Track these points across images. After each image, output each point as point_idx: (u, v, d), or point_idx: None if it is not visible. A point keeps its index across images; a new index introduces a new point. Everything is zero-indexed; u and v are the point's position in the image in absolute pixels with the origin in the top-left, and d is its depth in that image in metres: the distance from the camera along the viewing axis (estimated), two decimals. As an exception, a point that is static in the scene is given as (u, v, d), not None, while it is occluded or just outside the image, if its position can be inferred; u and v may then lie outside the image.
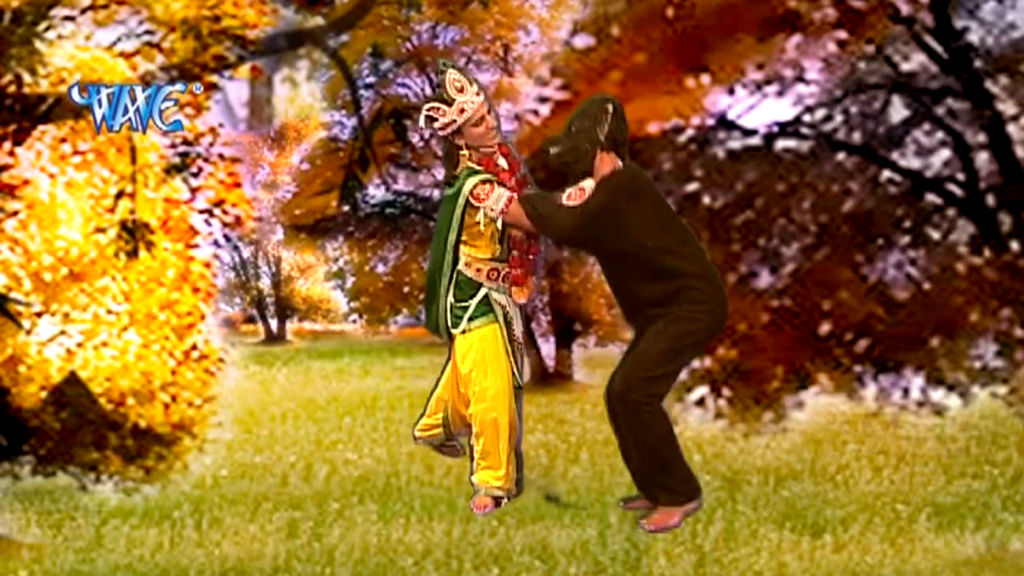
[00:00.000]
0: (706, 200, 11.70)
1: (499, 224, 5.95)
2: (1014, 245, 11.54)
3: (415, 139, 14.97)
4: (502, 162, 6.02)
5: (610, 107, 5.79)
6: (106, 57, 11.54)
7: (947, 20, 11.61)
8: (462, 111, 5.90)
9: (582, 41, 12.05)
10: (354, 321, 16.90)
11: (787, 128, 11.86)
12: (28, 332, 11.53)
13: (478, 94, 5.92)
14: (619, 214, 5.67)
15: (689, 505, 5.81)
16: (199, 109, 11.88)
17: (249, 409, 13.74)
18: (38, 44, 11.20)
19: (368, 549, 10.76)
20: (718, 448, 12.22)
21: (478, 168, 5.94)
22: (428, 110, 5.93)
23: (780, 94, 11.77)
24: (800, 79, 11.71)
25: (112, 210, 11.66)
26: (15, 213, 11.50)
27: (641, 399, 5.71)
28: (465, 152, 5.95)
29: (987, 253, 11.50)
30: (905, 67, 11.77)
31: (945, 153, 11.77)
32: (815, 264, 11.66)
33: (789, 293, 11.62)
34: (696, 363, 11.67)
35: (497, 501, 6.11)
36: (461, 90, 5.93)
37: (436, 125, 5.93)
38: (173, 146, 11.98)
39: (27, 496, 11.63)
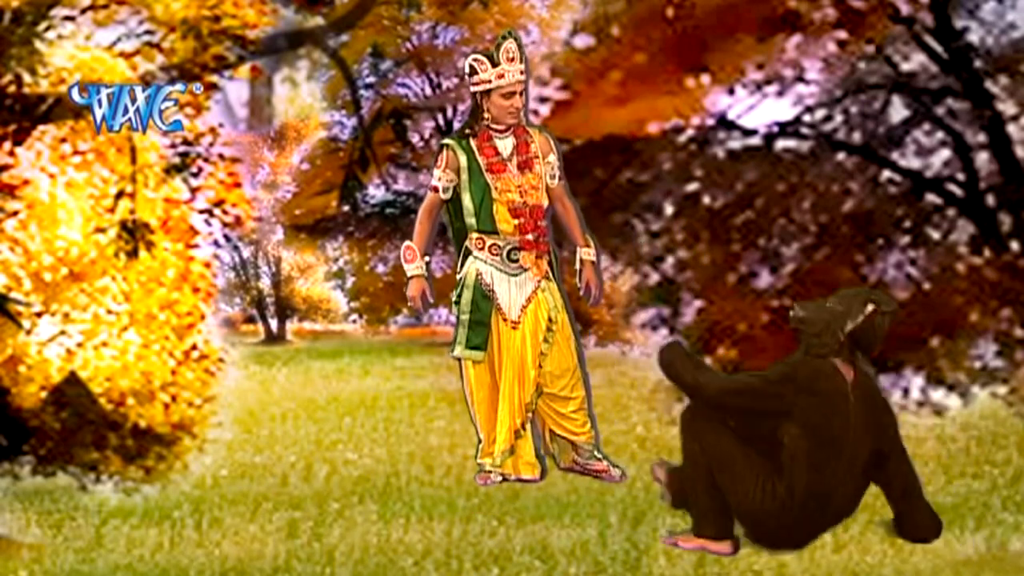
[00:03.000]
0: (706, 200, 11.70)
1: (470, 195, 6.03)
2: (1014, 245, 11.54)
3: (415, 139, 14.97)
4: (502, 144, 6.09)
5: (871, 307, 5.48)
6: (106, 57, 11.53)
7: (947, 20, 11.61)
8: (501, 76, 6.01)
9: (582, 41, 12.05)
10: (354, 321, 16.89)
11: (787, 128, 11.85)
12: (28, 332, 11.52)
13: (522, 72, 6.04)
14: (775, 399, 5.39)
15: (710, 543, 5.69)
16: (199, 109, 11.87)
17: (249, 409, 13.72)
18: (38, 44, 11.20)
19: (368, 549, 10.75)
20: (718, 448, 12.20)
21: (464, 136, 6.06)
22: (474, 60, 6.04)
23: (780, 94, 11.77)
24: (800, 79, 11.71)
25: (112, 210, 11.66)
26: (15, 213, 11.50)
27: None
28: (487, 116, 6.04)
29: (987, 253, 11.50)
30: (905, 67, 11.76)
31: (945, 153, 11.77)
32: (815, 264, 11.66)
33: (789, 293, 11.62)
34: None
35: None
36: (511, 60, 6.05)
37: (474, 78, 6.04)
38: (173, 146, 11.97)
39: (27, 496, 11.62)
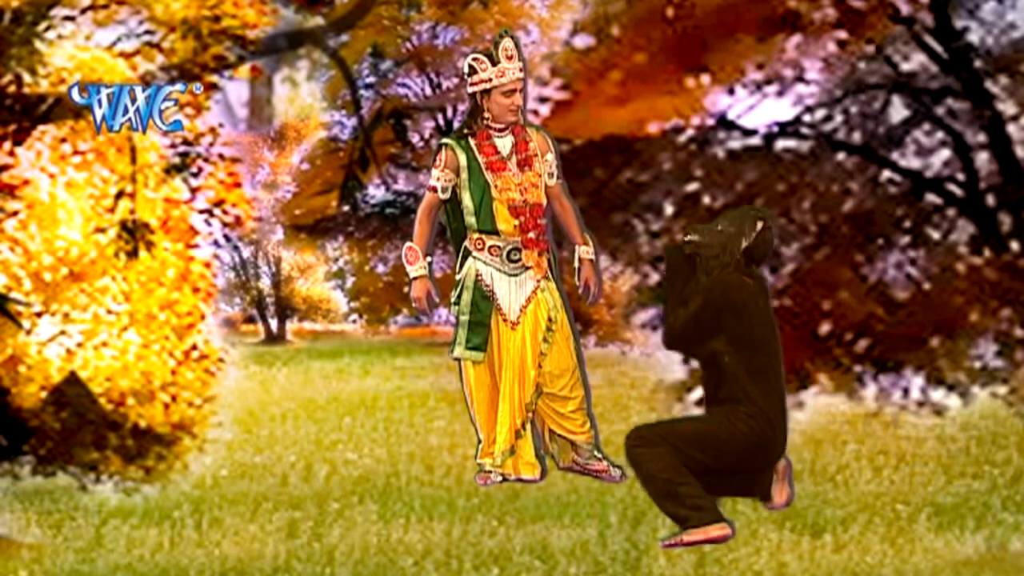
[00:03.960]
0: (706, 200, 11.70)
1: (470, 194, 6.05)
2: (1014, 245, 11.54)
3: (415, 139, 14.98)
4: (501, 143, 6.10)
5: (760, 224, 5.75)
6: (106, 57, 11.54)
7: (947, 20, 11.61)
8: (502, 74, 6.00)
9: (582, 41, 12.05)
10: (354, 321, 16.89)
11: (787, 128, 11.86)
12: (28, 332, 11.53)
13: (521, 71, 6.04)
14: (709, 327, 5.68)
15: (710, 529, 5.75)
16: (199, 109, 11.88)
17: (249, 409, 13.73)
18: (38, 44, 11.20)
19: (368, 549, 10.76)
20: (718, 448, 12.20)
21: (463, 135, 6.06)
22: (473, 60, 6.03)
23: (780, 94, 11.77)
24: (800, 79, 11.71)
25: (112, 210, 11.66)
26: (15, 213, 11.50)
27: (633, 442, 5.70)
28: (487, 115, 6.05)
29: (987, 253, 11.50)
30: (905, 67, 11.76)
31: (945, 153, 11.77)
32: (815, 264, 11.66)
33: (789, 293, 11.62)
34: (696, 363, 11.67)
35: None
36: (510, 59, 6.04)
37: (473, 78, 6.03)
38: (173, 146, 11.98)
39: (27, 496, 11.63)
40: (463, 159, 6.09)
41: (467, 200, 6.09)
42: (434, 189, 6.11)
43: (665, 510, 5.74)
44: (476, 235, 6.12)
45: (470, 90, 6.10)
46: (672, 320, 5.79)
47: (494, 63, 6.04)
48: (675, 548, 5.78)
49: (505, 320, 6.13)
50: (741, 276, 5.72)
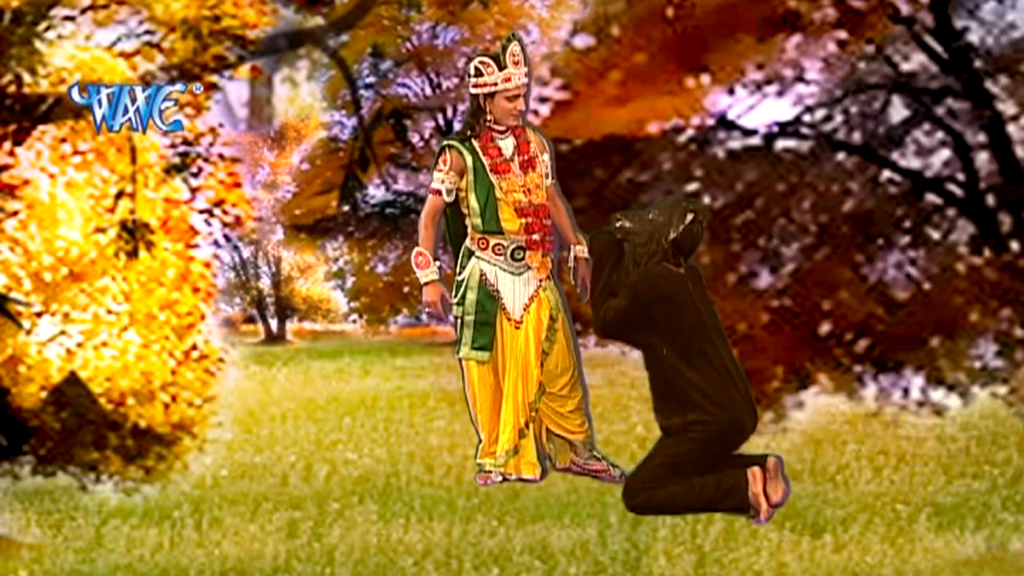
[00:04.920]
0: (706, 200, 11.70)
1: (475, 196, 6.05)
2: (1014, 245, 11.54)
3: (415, 139, 14.98)
4: (503, 145, 6.10)
5: (690, 216, 5.78)
6: (106, 57, 11.54)
7: (947, 20, 11.61)
8: (508, 79, 6.00)
9: (582, 41, 12.05)
10: (354, 321, 16.90)
11: (787, 128, 11.85)
12: (28, 332, 11.53)
13: (526, 76, 6.03)
14: (640, 320, 5.75)
15: (754, 481, 5.86)
16: (199, 109, 11.88)
17: (249, 409, 13.73)
18: (38, 44, 11.20)
19: (368, 549, 10.76)
20: (718, 448, 12.20)
21: (466, 136, 6.06)
22: (479, 62, 6.02)
23: (780, 94, 11.77)
24: (800, 79, 11.71)
25: (112, 210, 11.66)
26: (15, 213, 11.50)
27: (641, 502, 5.82)
28: (489, 117, 6.05)
29: (987, 253, 11.50)
30: (905, 67, 11.76)
31: (945, 153, 11.77)
32: (815, 264, 11.66)
33: (789, 293, 11.62)
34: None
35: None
36: (517, 64, 6.03)
37: (478, 80, 6.03)
38: (173, 146, 11.98)
39: (27, 496, 11.63)
40: (469, 160, 6.09)
41: (473, 202, 6.09)
42: (438, 192, 6.09)
43: (721, 511, 5.87)
44: (479, 235, 6.12)
45: (473, 91, 6.09)
46: (603, 312, 5.85)
47: (501, 67, 6.03)
48: (772, 516, 5.90)
49: (509, 319, 6.13)
50: (668, 267, 5.76)
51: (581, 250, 6.19)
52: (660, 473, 5.79)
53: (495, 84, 6.03)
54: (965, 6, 11.63)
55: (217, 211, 12.19)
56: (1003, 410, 11.81)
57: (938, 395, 11.62)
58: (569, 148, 11.69)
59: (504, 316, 6.11)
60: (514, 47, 6.04)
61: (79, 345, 11.67)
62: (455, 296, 6.16)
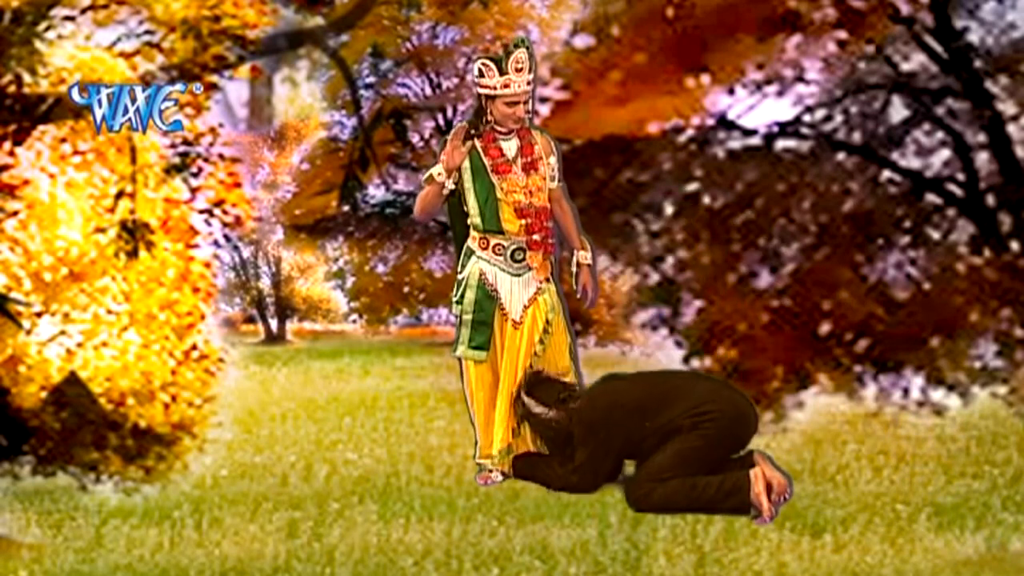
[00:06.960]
0: (706, 200, 11.70)
1: (475, 195, 6.05)
2: (1014, 245, 11.55)
3: (415, 139, 14.98)
4: (506, 146, 6.10)
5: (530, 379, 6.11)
6: (106, 57, 11.54)
7: (947, 20, 11.61)
8: (507, 86, 6.00)
9: (582, 41, 12.05)
10: (354, 321, 16.90)
11: (787, 128, 11.86)
12: (28, 332, 11.53)
13: (529, 83, 6.04)
14: (609, 441, 5.90)
15: (755, 483, 5.92)
16: (199, 109, 11.88)
17: (249, 409, 13.74)
18: (38, 44, 11.20)
19: (368, 549, 10.76)
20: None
21: (470, 135, 6.07)
22: (482, 64, 6.03)
23: (780, 94, 11.77)
24: (800, 79, 11.71)
25: (112, 210, 11.66)
26: (15, 213, 11.50)
27: (642, 497, 5.88)
28: (491, 119, 6.06)
29: (987, 253, 11.50)
30: (905, 67, 11.76)
31: (945, 153, 11.77)
32: (815, 264, 11.66)
33: (789, 293, 11.62)
34: (696, 363, 11.68)
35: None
36: (519, 71, 6.04)
37: (480, 81, 6.03)
38: (173, 146, 11.98)
39: (27, 496, 11.63)
40: (468, 158, 6.10)
41: (472, 201, 6.10)
42: (432, 183, 6.10)
43: (721, 511, 5.90)
44: (480, 235, 6.12)
45: (476, 91, 6.11)
46: (577, 480, 6.04)
47: (501, 72, 6.03)
48: (775, 516, 5.94)
49: (508, 320, 6.14)
50: (567, 410, 5.95)
51: (584, 256, 6.20)
52: (666, 467, 5.79)
53: (494, 88, 6.04)
54: (965, 6, 11.63)
55: (217, 211, 12.19)
56: (1003, 410, 11.81)
57: (938, 395, 11.62)
58: (569, 148, 11.68)
59: (503, 316, 6.12)
60: (520, 54, 6.04)
61: (79, 345, 11.67)
62: (455, 294, 6.17)
